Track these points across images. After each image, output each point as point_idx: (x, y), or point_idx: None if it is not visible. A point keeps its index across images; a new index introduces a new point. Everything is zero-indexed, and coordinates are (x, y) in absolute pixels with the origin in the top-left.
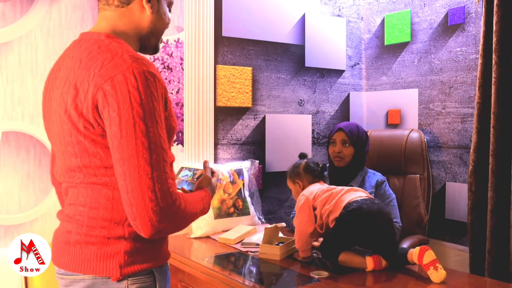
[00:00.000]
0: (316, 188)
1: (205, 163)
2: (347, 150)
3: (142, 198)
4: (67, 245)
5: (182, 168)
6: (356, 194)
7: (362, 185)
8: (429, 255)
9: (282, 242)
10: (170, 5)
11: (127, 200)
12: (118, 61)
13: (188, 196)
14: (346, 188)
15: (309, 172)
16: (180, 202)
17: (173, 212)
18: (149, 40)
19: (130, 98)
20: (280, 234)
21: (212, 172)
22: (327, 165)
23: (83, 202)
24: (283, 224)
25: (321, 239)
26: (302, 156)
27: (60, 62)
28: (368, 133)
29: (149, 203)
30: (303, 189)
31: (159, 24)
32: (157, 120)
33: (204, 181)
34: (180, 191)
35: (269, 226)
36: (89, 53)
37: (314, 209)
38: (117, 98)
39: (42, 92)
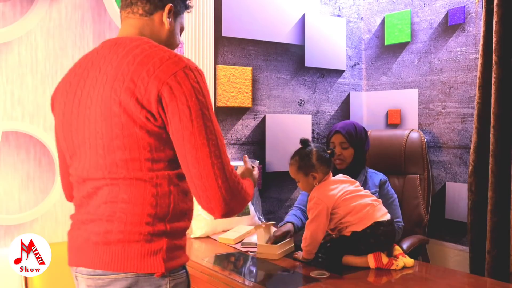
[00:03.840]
0: (335, 191)
1: (244, 157)
2: (346, 152)
3: (216, 181)
4: (106, 245)
5: None
6: (381, 211)
7: (365, 184)
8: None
9: (277, 242)
10: (181, 30)
11: (200, 185)
12: (175, 59)
13: (242, 180)
14: (368, 199)
15: (324, 162)
16: (242, 182)
17: (238, 191)
18: None
19: (195, 92)
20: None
21: (253, 166)
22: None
23: (126, 199)
24: (273, 223)
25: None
26: (305, 143)
27: (86, 64)
28: (368, 133)
29: (222, 185)
30: (319, 181)
31: (173, 40)
32: (213, 111)
33: (246, 172)
34: None
35: (260, 225)
36: (142, 51)
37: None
38: (184, 92)
39: (56, 94)
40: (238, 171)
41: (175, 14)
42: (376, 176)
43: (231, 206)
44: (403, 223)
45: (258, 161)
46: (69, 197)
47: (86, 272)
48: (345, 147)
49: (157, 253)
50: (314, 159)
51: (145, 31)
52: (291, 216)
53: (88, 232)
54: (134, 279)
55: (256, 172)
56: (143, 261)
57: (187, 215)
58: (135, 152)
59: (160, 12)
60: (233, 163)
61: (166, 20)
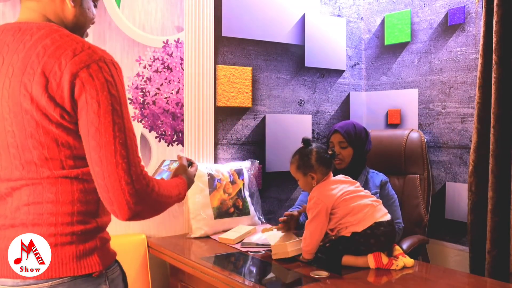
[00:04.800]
0: (335, 191)
1: (178, 155)
2: (345, 151)
3: (119, 182)
4: None
5: (164, 160)
6: (381, 212)
7: (366, 184)
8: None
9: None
10: (95, 2)
11: (103, 186)
12: (89, 51)
13: (161, 181)
14: (368, 200)
15: (323, 163)
16: (154, 184)
17: (147, 194)
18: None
19: (107, 86)
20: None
21: (191, 162)
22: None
23: (53, 199)
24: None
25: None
26: (306, 142)
27: None
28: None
29: (125, 187)
30: (317, 181)
31: (82, 18)
32: (127, 107)
33: (180, 169)
34: None
35: (267, 228)
36: (52, 42)
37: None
38: (95, 85)
39: None
40: (174, 168)
41: None
42: (377, 177)
43: (136, 210)
44: (403, 224)
45: (258, 161)
46: None
47: (12, 283)
48: (343, 147)
49: (93, 252)
50: (313, 160)
51: (48, 14)
52: (294, 208)
53: (8, 238)
54: (71, 283)
55: (193, 169)
56: (80, 263)
57: None
58: (54, 150)
59: None
60: (233, 163)
61: None
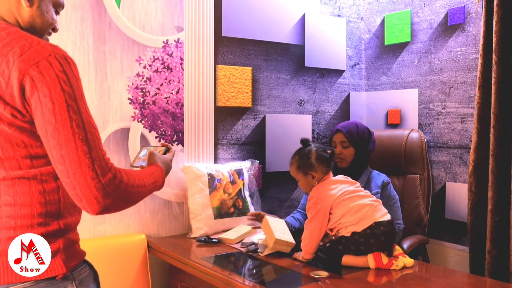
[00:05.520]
0: (334, 191)
1: (162, 143)
2: (347, 151)
3: (84, 178)
4: None
5: (142, 148)
6: (381, 211)
7: (367, 185)
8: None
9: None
10: (57, 6)
11: (69, 183)
12: (38, 47)
13: (131, 171)
14: (367, 200)
15: (323, 162)
16: (122, 175)
17: (115, 186)
18: None
19: (59, 82)
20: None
21: (168, 148)
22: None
23: (11, 201)
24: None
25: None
26: (305, 142)
27: None
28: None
29: (91, 182)
30: (318, 180)
31: (40, 20)
32: (84, 101)
33: (151, 158)
34: (139, 169)
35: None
36: (0, 40)
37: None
38: (47, 83)
39: None
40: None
41: None
42: (379, 177)
43: (105, 204)
44: (403, 225)
45: (258, 161)
46: None
47: None
48: (345, 146)
49: (55, 254)
50: (313, 159)
51: (2, 13)
52: (289, 217)
53: None
54: (34, 287)
55: (170, 155)
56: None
57: (77, 208)
58: (9, 150)
59: None
60: (233, 163)
61: None
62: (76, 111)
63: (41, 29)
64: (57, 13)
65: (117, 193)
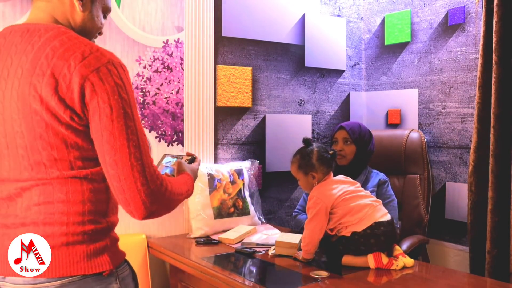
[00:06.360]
0: (334, 191)
1: (187, 153)
2: (348, 148)
3: (135, 184)
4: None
5: (165, 155)
6: (381, 212)
7: (365, 184)
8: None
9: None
10: (105, 11)
11: (119, 188)
12: (97, 54)
13: (172, 179)
14: (368, 200)
15: (324, 162)
16: (167, 183)
17: (161, 193)
18: None
19: (117, 89)
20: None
21: (194, 157)
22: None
23: (63, 199)
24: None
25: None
26: (307, 142)
27: None
28: None
29: (141, 187)
30: (318, 181)
31: (90, 24)
32: (136, 109)
33: (182, 165)
34: None
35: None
36: (61, 44)
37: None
38: (106, 89)
39: None
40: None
41: None
42: (377, 176)
43: (152, 210)
44: (398, 226)
45: (258, 161)
46: None
47: (23, 282)
48: (347, 143)
49: (103, 251)
50: (314, 159)
51: (57, 16)
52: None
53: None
54: (82, 281)
55: (196, 164)
56: (90, 262)
57: (116, 208)
58: (63, 151)
59: None
60: (233, 163)
61: (76, 2)
62: (132, 119)
63: (90, 32)
64: (104, 17)
65: (163, 199)
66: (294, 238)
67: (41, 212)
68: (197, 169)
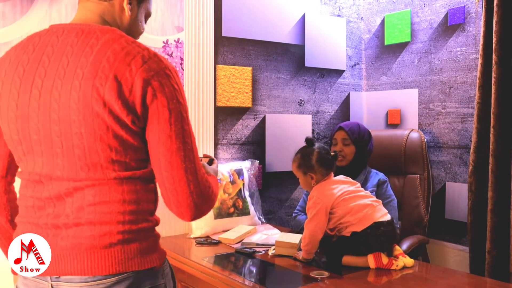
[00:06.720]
0: (335, 191)
1: (204, 154)
2: (348, 149)
3: (188, 186)
4: (107, 248)
5: None
6: (381, 212)
7: (364, 184)
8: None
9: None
10: (147, 16)
11: (172, 189)
12: (156, 59)
13: (210, 180)
14: (367, 200)
15: (323, 164)
16: (211, 184)
17: (209, 195)
18: None
19: (175, 94)
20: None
21: (212, 160)
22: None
23: (120, 198)
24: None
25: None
26: (310, 142)
27: (44, 50)
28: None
29: (194, 190)
30: (316, 181)
31: (134, 28)
32: (188, 113)
33: (205, 168)
34: None
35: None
36: (121, 47)
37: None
38: (165, 93)
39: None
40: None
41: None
42: (376, 176)
43: (201, 210)
44: (398, 226)
45: (258, 161)
46: None
47: (79, 280)
48: (346, 144)
49: (153, 248)
50: (314, 160)
51: (106, 17)
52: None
53: (73, 237)
54: (135, 277)
55: (215, 166)
56: (143, 258)
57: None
58: (121, 153)
59: None
60: (233, 163)
61: (126, 6)
62: (187, 123)
63: (133, 36)
64: (145, 22)
65: (209, 201)
66: (294, 238)
67: (96, 212)
68: (217, 171)
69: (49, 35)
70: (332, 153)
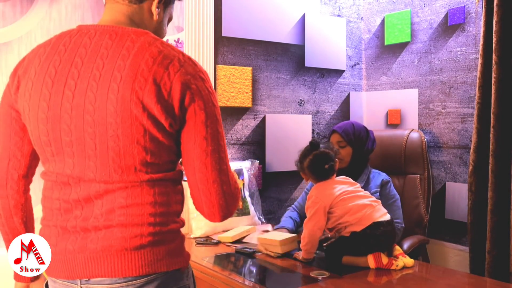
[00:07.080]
0: (334, 190)
1: None
2: (344, 151)
3: (221, 187)
4: (138, 249)
5: None
6: (381, 212)
7: (367, 184)
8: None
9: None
10: (169, 21)
11: (205, 190)
12: (190, 62)
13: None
14: (366, 200)
15: (314, 172)
16: (238, 186)
17: (237, 196)
18: None
19: (211, 97)
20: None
21: None
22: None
23: (152, 200)
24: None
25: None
26: (313, 145)
27: (76, 50)
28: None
29: (226, 191)
30: (311, 181)
31: (159, 32)
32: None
33: None
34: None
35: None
36: (158, 51)
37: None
38: (202, 96)
39: (27, 76)
40: None
41: (166, 3)
42: (379, 176)
43: (230, 211)
44: (403, 225)
45: (258, 161)
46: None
47: (110, 282)
48: (342, 146)
49: (180, 249)
50: (305, 165)
51: (135, 20)
52: (287, 220)
53: (103, 239)
54: (164, 277)
55: None
56: (172, 259)
57: None
58: (156, 156)
59: (150, 1)
60: (233, 163)
61: (155, 10)
62: (221, 125)
63: None
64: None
65: (237, 201)
66: (277, 235)
67: (128, 214)
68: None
69: (81, 36)
70: (326, 166)
